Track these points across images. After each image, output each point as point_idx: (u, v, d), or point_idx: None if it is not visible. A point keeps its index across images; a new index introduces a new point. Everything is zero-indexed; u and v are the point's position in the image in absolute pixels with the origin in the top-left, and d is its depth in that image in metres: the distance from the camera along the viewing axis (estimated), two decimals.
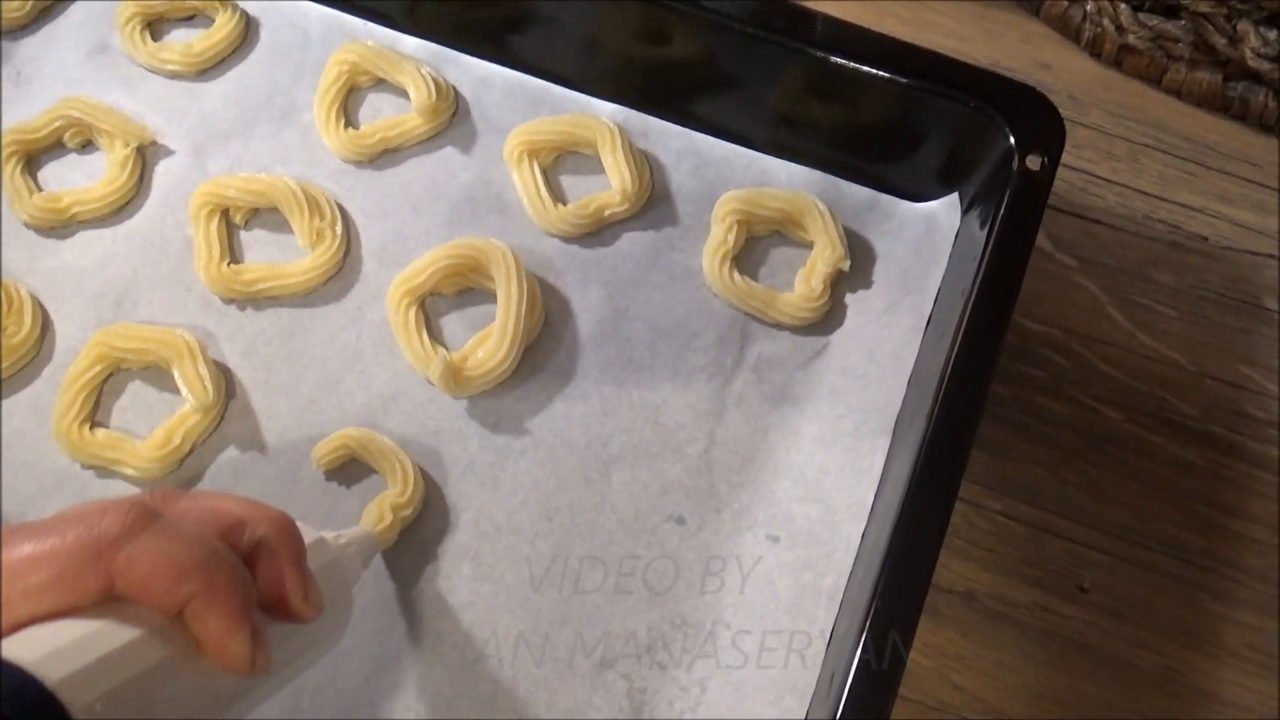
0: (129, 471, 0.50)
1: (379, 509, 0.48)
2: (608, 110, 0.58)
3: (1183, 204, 0.58)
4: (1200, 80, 0.59)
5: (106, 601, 0.30)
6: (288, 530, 0.36)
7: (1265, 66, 0.56)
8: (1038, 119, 0.51)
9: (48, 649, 0.28)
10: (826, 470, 0.51)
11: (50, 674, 0.27)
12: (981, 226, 0.51)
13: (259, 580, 0.34)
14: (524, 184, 0.56)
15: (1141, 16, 0.59)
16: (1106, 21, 0.60)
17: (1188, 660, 0.49)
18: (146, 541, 0.31)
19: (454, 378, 0.51)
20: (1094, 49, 0.61)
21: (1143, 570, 0.51)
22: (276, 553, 0.35)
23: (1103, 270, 0.56)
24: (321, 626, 0.38)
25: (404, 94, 0.58)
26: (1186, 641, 0.50)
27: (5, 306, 0.52)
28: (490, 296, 0.53)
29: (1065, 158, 0.58)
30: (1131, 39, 0.59)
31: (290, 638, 0.36)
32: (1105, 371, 0.54)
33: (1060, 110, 0.58)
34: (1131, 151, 0.60)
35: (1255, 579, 0.51)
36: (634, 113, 0.58)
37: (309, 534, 0.39)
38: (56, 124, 0.57)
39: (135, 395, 0.53)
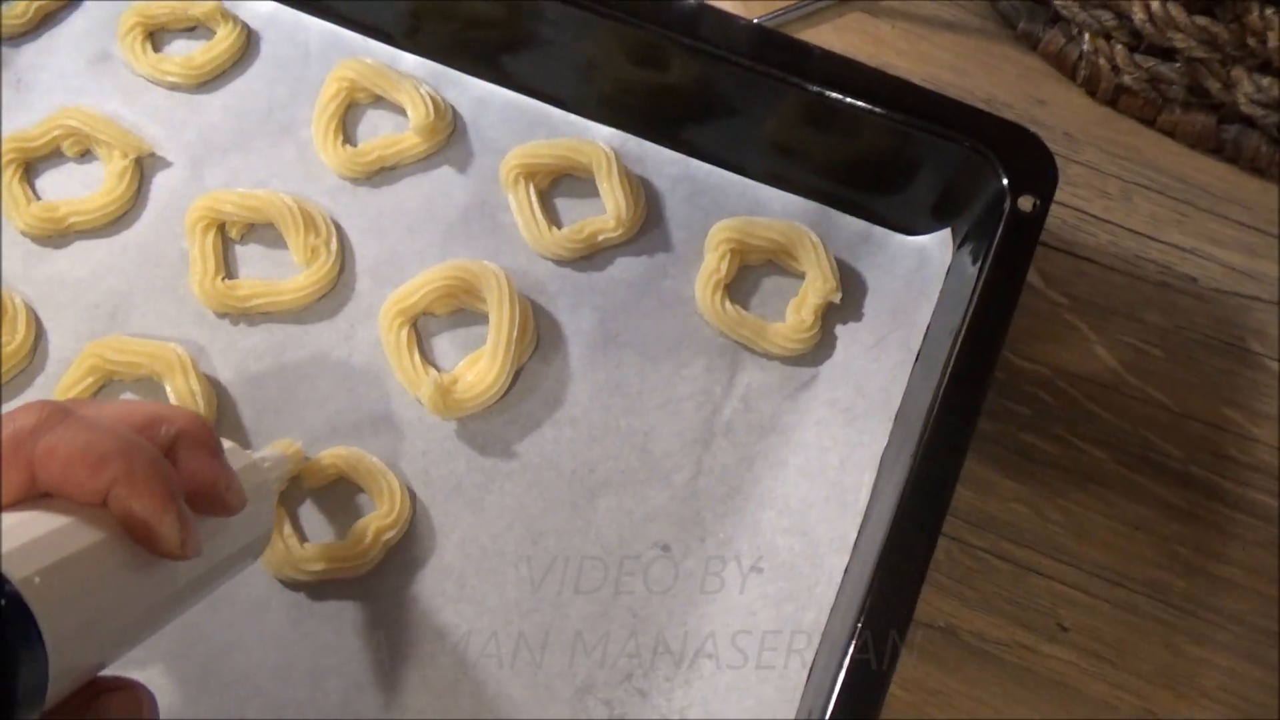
0: None
1: (364, 529, 0.49)
2: (604, 135, 0.58)
3: (1174, 244, 0.59)
4: (1194, 122, 0.60)
5: (36, 499, 0.32)
6: (202, 425, 0.37)
7: (1258, 112, 0.57)
8: (1031, 160, 0.51)
9: None
10: (811, 503, 0.51)
11: None
12: (973, 264, 0.51)
13: (181, 471, 0.35)
14: (519, 206, 0.56)
15: (1137, 58, 0.59)
16: (1102, 61, 0.60)
17: (1165, 703, 0.50)
18: (63, 431, 0.31)
19: (444, 400, 0.51)
20: (1090, 87, 0.61)
21: (1123, 611, 0.51)
22: (195, 444, 0.36)
23: (1092, 309, 0.57)
24: (245, 526, 0.40)
25: (402, 112, 0.58)
26: (1164, 683, 0.50)
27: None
28: (483, 318, 0.54)
29: (1059, 194, 0.58)
30: (1127, 79, 0.60)
31: (217, 532, 0.37)
32: (1091, 410, 0.55)
33: (1054, 146, 0.59)
34: (1124, 190, 0.60)
35: (1234, 622, 0.51)
36: (630, 138, 0.58)
37: (225, 443, 0.40)
38: (55, 133, 0.57)
39: None
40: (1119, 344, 0.56)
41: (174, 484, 0.33)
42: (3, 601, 0.27)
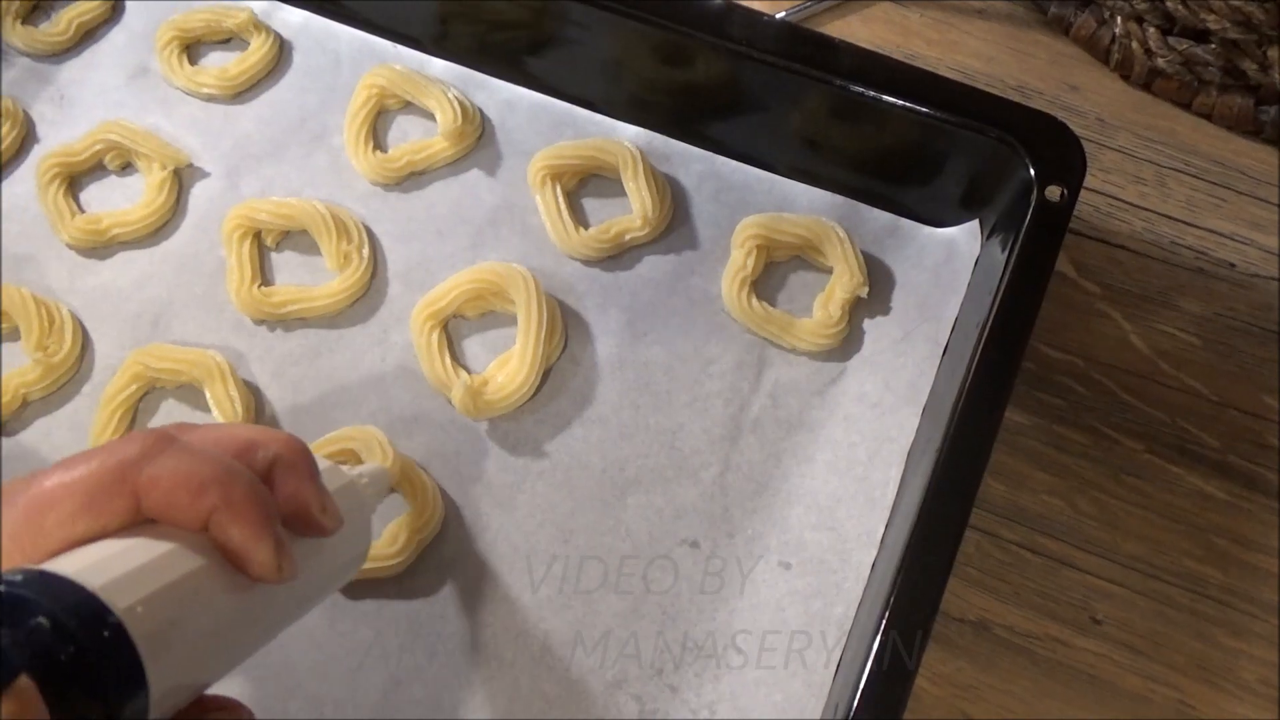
0: None
1: (398, 530, 0.50)
2: (630, 134, 0.59)
3: (1211, 229, 0.57)
4: (1231, 104, 0.58)
5: (138, 524, 0.32)
6: (300, 449, 0.37)
7: None
8: (1059, 150, 0.51)
9: (88, 562, 0.30)
10: (839, 498, 0.51)
11: (92, 580, 0.28)
12: (1000, 255, 0.51)
13: (278, 495, 0.36)
14: (546, 208, 0.57)
15: (1171, 40, 0.58)
16: (1135, 44, 0.59)
17: (1201, 695, 0.49)
18: (166, 460, 0.33)
19: (474, 401, 0.52)
20: (1124, 71, 0.60)
21: (1158, 603, 0.50)
22: (292, 468, 0.36)
23: (1126, 297, 0.56)
24: (343, 545, 0.40)
25: (432, 117, 0.59)
26: (1200, 676, 0.49)
27: (47, 325, 0.54)
28: (512, 319, 0.54)
29: (1091, 181, 0.58)
30: (1161, 62, 0.59)
31: (314, 553, 0.38)
32: (1126, 400, 0.54)
33: (1087, 133, 0.59)
34: (1159, 175, 0.59)
35: (1273, 614, 0.50)
36: (656, 136, 0.59)
37: (322, 463, 0.40)
38: (97, 147, 0.59)
39: (169, 414, 0.54)
40: (1154, 332, 0.55)
41: (271, 509, 0.34)
42: (107, 633, 0.28)
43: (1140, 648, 0.50)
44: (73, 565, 0.29)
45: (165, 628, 0.30)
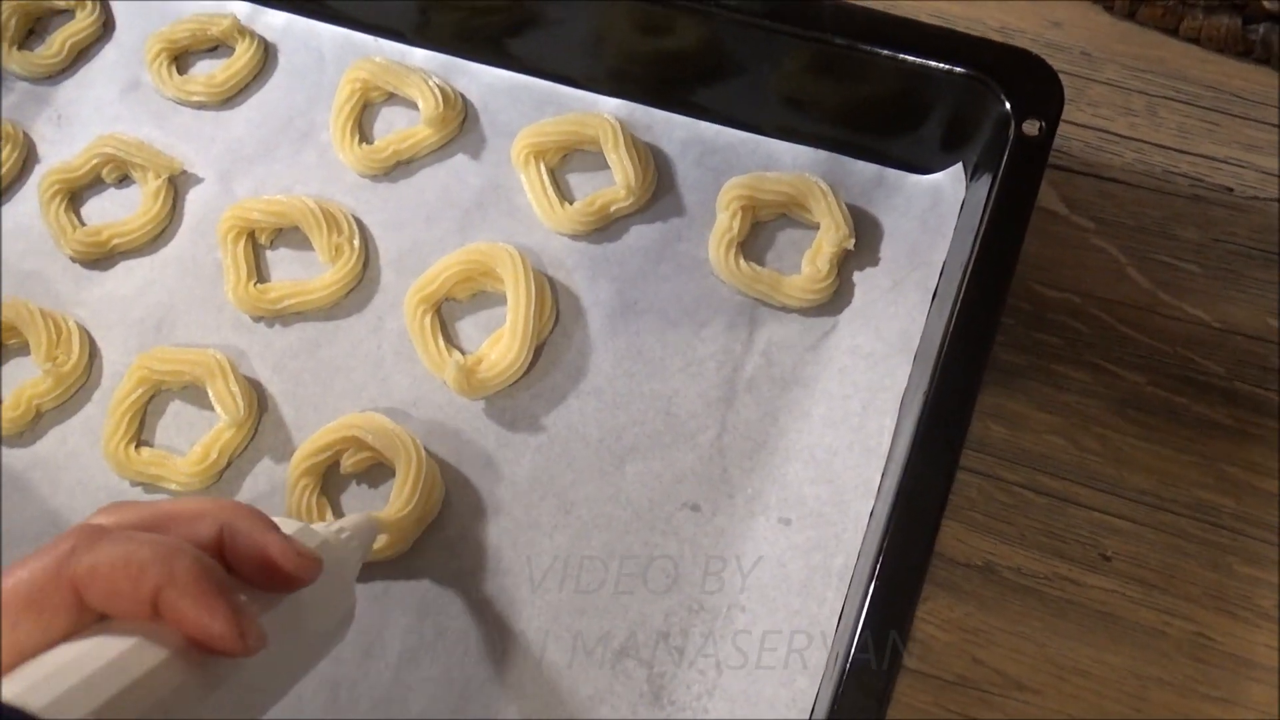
0: (172, 486, 0.53)
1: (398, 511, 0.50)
2: (611, 106, 0.59)
3: (1205, 155, 0.56)
4: (1219, 25, 0.57)
5: (94, 624, 0.31)
6: (248, 509, 0.36)
7: None
8: (1034, 84, 0.50)
9: (31, 681, 0.28)
10: (836, 451, 0.51)
11: (34, 701, 0.27)
12: (984, 194, 0.50)
13: (235, 555, 0.34)
14: (531, 185, 0.57)
15: None
16: None
17: (1219, 626, 0.48)
18: (101, 549, 0.31)
19: (468, 380, 0.52)
20: (1106, 2, 0.59)
21: (1169, 535, 0.50)
22: (246, 528, 0.35)
23: (1121, 230, 0.55)
24: (325, 604, 0.38)
25: (415, 106, 0.59)
26: (1217, 606, 0.48)
27: (55, 337, 0.56)
28: (504, 299, 0.55)
29: (1079, 116, 0.57)
30: None
31: (292, 616, 0.36)
32: (1126, 334, 0.53)
33: (1073, 68, 0.58)
34: (1150, 105, 0.58)
35: None
36: (638, 106, 0.59)
37: (291, 525, 0.39)
38: (94, 161, 0.60)
39: (177, 414, 0.56)
40: (1152, 263, 0.54)
41: (219, 577, 0.33)
42: None
43: (1153, 581, 0.49)
44: (15, 686, 0.28)
45: None
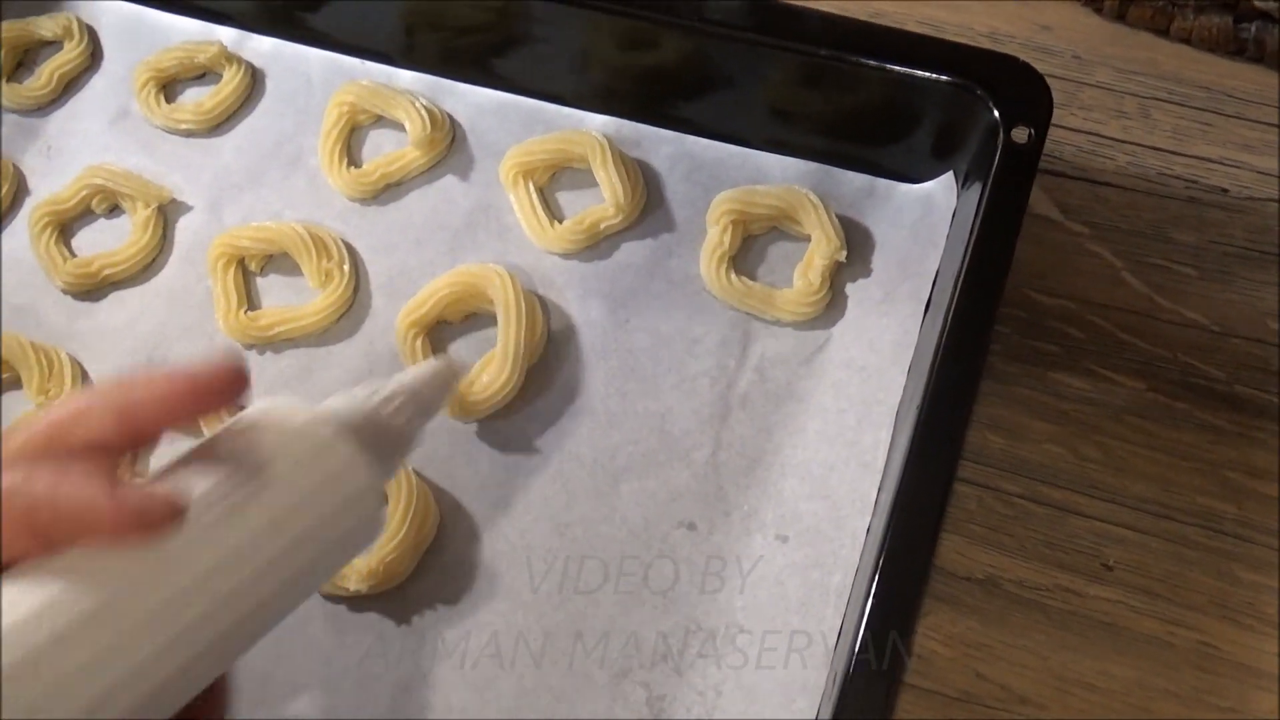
0: None
1: (394, 539, 0.50)
2: (599, 123, 0.59)
3: (1200, 157, 0.56)
4: (1209, 25, 0.57)
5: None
6: (141, 389, 0.31)
7: (1272, 4, 0.53)
8: (1023, 90, 0.50)
9: None
10: (832, 466, 0.50)
11: None
12: (975, 202, 0.50)
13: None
14: (520, 205, 0.57)
15: None
16: None
17: (1224, 634, 0.47)
18: None
19: (460, 404, 0.52)
20: (1095, 4, 0.59)
21: (1171, 544, 0.49)
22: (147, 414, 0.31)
23: (1116, 235, 0.54)
24: (305, 473, 0.32)
25: (403, 128, 0.59)
26: (1221, 614, 0.48)
27: (47, 370, 0.55)
28: (495, 319, 0.54)
29: (1071, 120, 0.56)
30: None
31: (248, 487, 0.31)
32: (1123, 340, 0.52)
33: (1064, 72, 0.57)
34: (1143, 107, 0.57)
35: None
36: (625, 123, 0.59)
37: (265, 404, 0.34)
38: (83, 192, 0.60)
39: (173, 442, 0.55)
40: (1148, 267, 0.54)
41: (89, 466, 0.29)
42: None
43: (1156, 590, 0.48)
44: None
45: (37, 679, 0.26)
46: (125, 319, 0.58)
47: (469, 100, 0.61)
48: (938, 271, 0.52)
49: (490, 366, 0.53)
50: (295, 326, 0.56)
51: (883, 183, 0.56)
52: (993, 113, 0.50)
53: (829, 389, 0.52)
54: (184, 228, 0.60)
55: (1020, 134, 0.49)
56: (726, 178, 0.57)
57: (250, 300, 0.57)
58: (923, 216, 0.54)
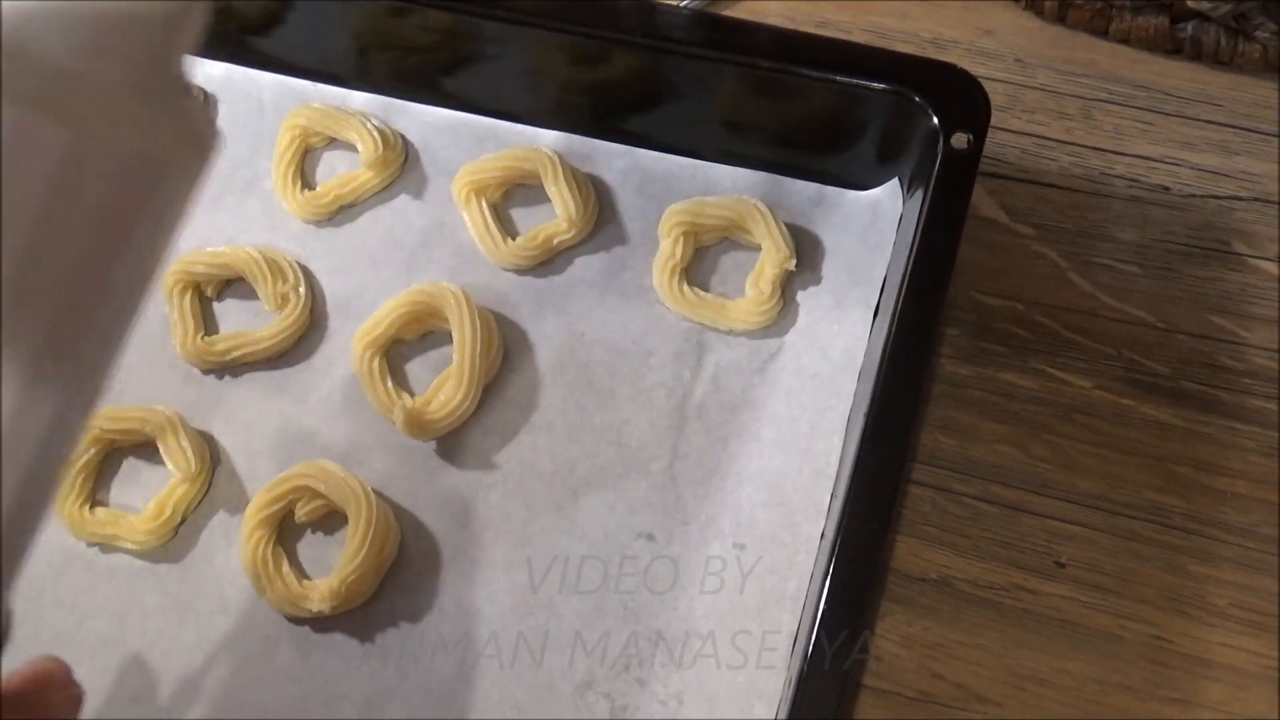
0: (128, 545, 0.53)
1: (353, 561, 0.50)
2: (550, 139, 0.59)
3: (1141, 155, 0.57)
4: (1147, 25, 0.57)
5: None
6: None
7: (1206, 5, 0.54)
8: (959, 97, 0.51)
9: None
10: (786, 474, 0.51)
11: None
12: (918, 210, 0.51)
13: None
14: (473, 223, 0.57)
15: None
16: None
17: (1175, 627, 0.48)
18: None
19: (417, 424, 0.52)
20: (1035, 7, 0.60)
21: (1122, 539, 0.50)
22: None
23: (1061, 235, 0.55)
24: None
25: (356, 149, 0.60)
26: (1172, 607, 0.48)
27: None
28: (451, 338, 0.55)
29: (1014, 123, 0.57)
30: None
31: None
32: (1070, 339, 0.53)
33: (1007, 75, 0.58)
34: (1085, 108, 0.58)
35: (1240, 536, 0.49)
36: (576, 137, 0.59)
37: None
38: None
39: (132, 470, 0.55)
40: (1092, 267, 0.55)
41: None
42: None
43: (1108, 586, 0.49)
44: None
45: None
46: None
47: (422, 119, 0.61)
48: (885, 277, 0.53)
49: (447, 385, 0.53)
50: (253, 350, 0.56)
51: (831, 190, 0.56)
52: (933, 120, 0.50)
53: (782, 397, 0.53)
54: None
55: (960, 140, 0.50)
56: (678, 190, 0.57)
57: (207, 325, 0.58)
58: (871, 223, 0.55)
